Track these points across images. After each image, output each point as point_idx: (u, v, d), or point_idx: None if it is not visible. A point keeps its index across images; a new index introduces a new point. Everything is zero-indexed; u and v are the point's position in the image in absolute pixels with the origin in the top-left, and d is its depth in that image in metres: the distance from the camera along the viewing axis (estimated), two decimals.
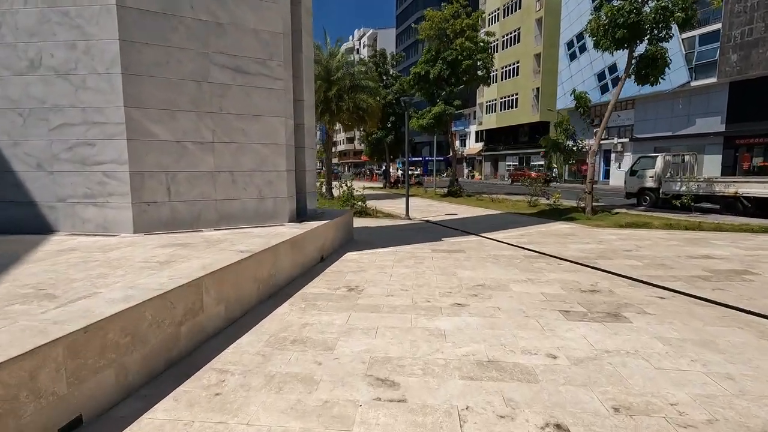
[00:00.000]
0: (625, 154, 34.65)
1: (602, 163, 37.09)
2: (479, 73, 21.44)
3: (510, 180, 42.23)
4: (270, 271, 5.10)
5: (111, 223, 5.93)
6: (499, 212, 14.65)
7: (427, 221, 12.58)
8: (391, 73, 30.17)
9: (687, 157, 15.76)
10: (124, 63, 5.68)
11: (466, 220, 12.77)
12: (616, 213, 13.73)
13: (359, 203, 14.09)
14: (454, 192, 21.23)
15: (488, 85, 22.35)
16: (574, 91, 14.28)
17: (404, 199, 13.30)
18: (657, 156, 15.90)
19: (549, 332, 4.04)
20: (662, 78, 12.82)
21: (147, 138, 5.93)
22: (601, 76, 35.06)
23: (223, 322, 4.03)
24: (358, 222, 11.96)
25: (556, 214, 13.79)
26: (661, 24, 11.65)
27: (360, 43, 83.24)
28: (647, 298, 5.14)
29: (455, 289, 5.47)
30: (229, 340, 3.79)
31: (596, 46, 12.98)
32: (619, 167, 26.41)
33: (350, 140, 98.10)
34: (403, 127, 26.98)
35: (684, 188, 14.52)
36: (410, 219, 12.94)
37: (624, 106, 34.46)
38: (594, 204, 13.67)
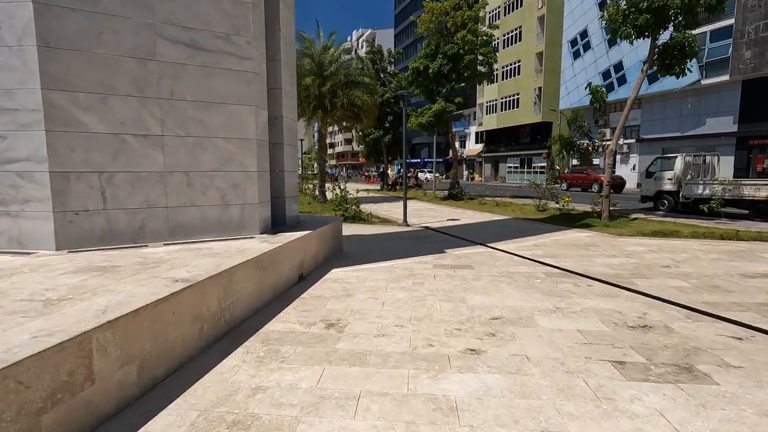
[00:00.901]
0: (631, 155, 33.50)
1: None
2: (482, 69, 20.22)
3: (563, 184, 31.06)
4: (221, 304, 3.84)
5: (27, 236, 4.66)
6: (506, 217, 13.41)
7: (427, 228, 11.33)
8: (388, 70, 28.96)
9: (708, 158, 14.54)
10: (41, 33, 4.43)
11: (471, 227, 11.53)
12: (635, 219, 12.50)
13: (352, 207, 12.84)
14: (455, 195, 20.00)
15: (491, 82, 21.10)
16: (589, 85, 13.03)
17: (402, 202, 12.09)
18: (676, 156, 14.70)
19: (607, 403, 2.79)
20: (689, 69, 11.59)
21: (73, 129, 4.66)
22: (606, 74, 33.93)
23: (133, 390, 2.77)
24: (351, 229, 10.71)
25: (568, 219, 12.56)
26: (691, 8, 10.44)
27: (358, 43, 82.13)
28: (720, 338, 3.90)
29: (466, 325, 4.21)
30: (133, 425, 2.52)
31: (614, 34, 11.77)
32: (634, 168, 25.21)
33: (348, 141, 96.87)
34: (401, 127, 25.76)
35: (707, 191, 13.30)
36: (408, 225, 11.69)
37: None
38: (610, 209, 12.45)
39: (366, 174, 50.36)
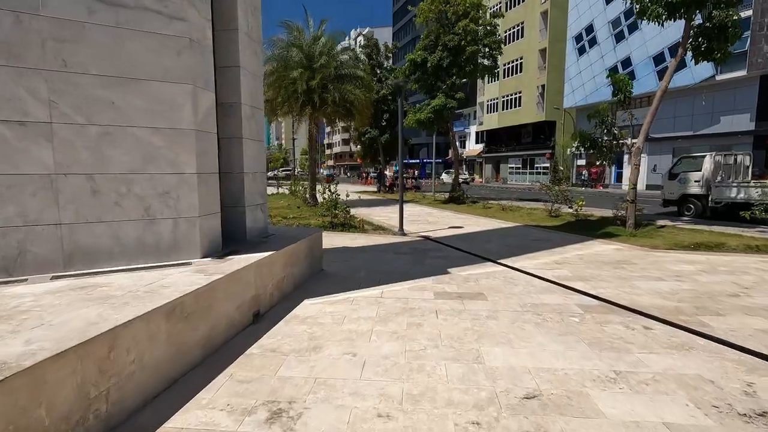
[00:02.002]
0: (640, 155, 31.95)
1: (614, 165, 34.45)
2: (485, 62, 18.73)
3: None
4: (87, 394, 2.32)
5: None
6: (515, 225, 11.90)
7: (427, 238, 9.82)
8: (385, 66, 27.47)
9: (740, 158, 13.06)
10: None
11: (476, 237, 10.01)
12: (662, 227, 10.99)
13: (341, 213, 11.32)
14: (456, 198, 18.50)
15: (495, 77, 19.61)
16: (610, 73, 11.54)
17: (399, 207, 10.58)
18: (704, 156, 13.21)
19: None
20: (730, 53, 10.10)
21: None
22: (613, 71, 32.38)
23: None
24: (338, 239, 9.19)
25: (587, 227, 11.06)
26: None
27: (356, 42, 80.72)
28: None
29: (487, 411, 2.70)
30: None
31: (641, 15, 10.27)
32: (654, 170, 23.73)
33: (346, 142, 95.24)
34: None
35: (742, 195, 11.82)
36: (405, 235, 10.18)
37: (639, 103, 31.83)
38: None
39: (364, 175, 48.85)
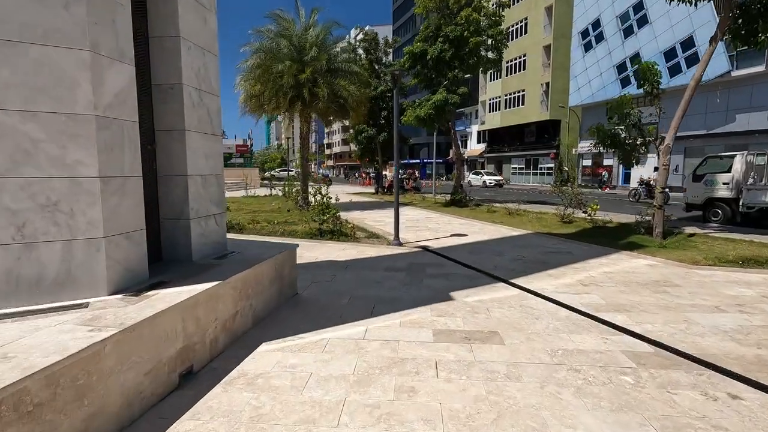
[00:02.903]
0: (648, 155, 30.66)
1: (620, 166, 33.20)
2: (489, 55, 17.48)
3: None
4: None
5: None
6: (525, 232, 10.65)
7: (426, 249, 8.58)
8: (383, 61, 26.22)
9: None
10: None
11: (483, 248, 8.76)
12: (692, 235, 9.73)
13: (330, 219, 10.09)
14: (458, 200, 17.25)
15: (499, 71, 18.36)
16: (635, 58, 10.25)
17: (400, 208, 9.32)
18: (734, 155, 11.97)
19: None
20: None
21: None
22: (621, 67, 31.24)
23: None
24: (325, 250, 7.96)
25: (606, 235, 9.82)
26: None
27: (356, 42, 79.37)
28: None
29: None
30: None
31: None
32: (676, 170, 22.34)
33: (346, 142, 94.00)
34: (398, 123, 22.91)
35: None
36: (401, 244, 8.94)
37: (648, 101, 30.53)
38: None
39: (364, 175, 47.64)
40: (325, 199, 10.43)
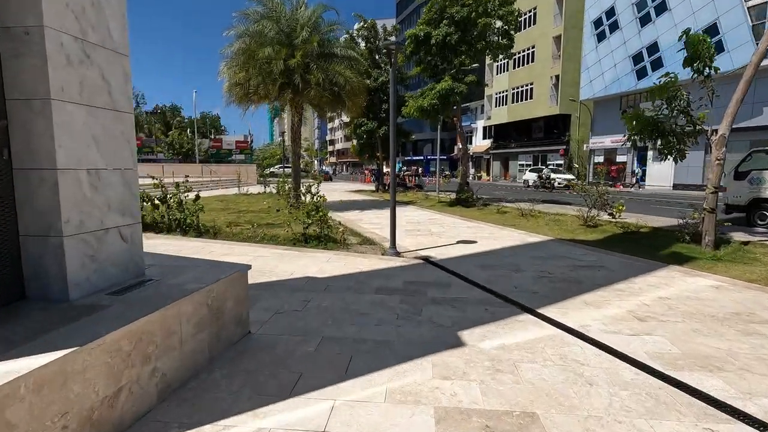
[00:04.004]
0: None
1: (636, 162, 31.52)
2: (501, 40, 15.88)
3: None
4: None
5: None
6: (544, 238, 9.13)
7: (427, 261, 7.09)
8: (384, 51, 24.63)
9: None
10: None
11: (498, 259, 7.26)
12: (746, 243, 8.17)
13: (314, 222, 8.62)
14: (464, 200, 15.71)
15: (510, 56, 16.79)
16: (685, 33, 8.68)
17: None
18: None
19: None
20: None
21: None
22: (637, 58, 29.47)
23: None
24: (304, 263, 6.50)
25: (642, 243, 8.30)
26: None
27: (356, 31, 77.71)
28: None
29: None
30: None
31: None
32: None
33: (349, 138, 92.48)
34: (399, 117, 21.52)
35: None
36: (397, 253, 7.46)
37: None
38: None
39: (367, 172, 46.18)
40: (315, 198, 8.94)
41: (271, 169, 51.99)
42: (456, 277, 6.02)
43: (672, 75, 7.99)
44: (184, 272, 3.63)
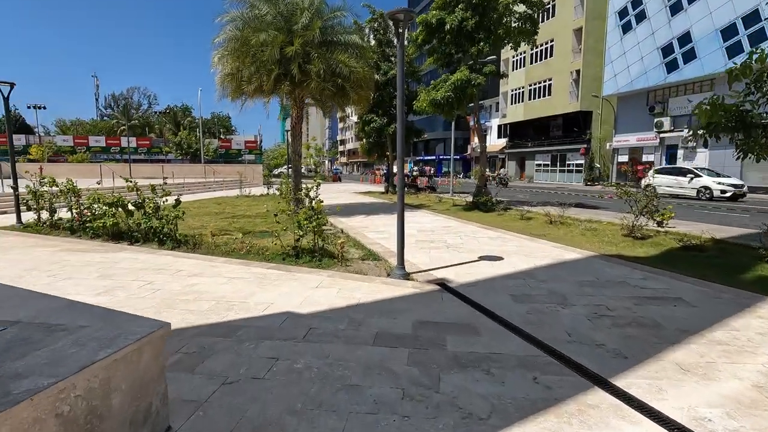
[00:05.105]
0: (698, 150, 26.96)
1: (666, 162, 29.45)
2: (524, 26, 14.25)
3: None
4: None
5: None
6: (587, 254, 7.53)
7: (444, 286, 5.58)
8: (395, 43, 23.13)
9: None
10: None
11: (534, 285, 5.71)
12: None
13: (308, 231, 7.18)
14: (482, 203, 14.11)
15: (533, 44, 15.14)
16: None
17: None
18: None
19: None
20: None
21: None
22: (667, 49, 27.42)
23: None
24: (287, 289, 5.05)
25: (709, 262, 6.65)
26: None
27: (368, 26, 76.30)
28: None
29: None
30: None
31: None
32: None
33: (360, 138, 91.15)
34: (410, 114, 20.05)
35: None
36: (406, 275, 5.97)
37: (698, 87, 26.80)
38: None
39: (377, 172, 44.81)
40: (314, 203, 7.48)
41: (280, 170, 50.95)
42: (484, 315, 4.50)
43: (761, 50, 6.21)
44: (49, 342, 2.18)
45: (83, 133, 58.96)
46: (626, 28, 30.35)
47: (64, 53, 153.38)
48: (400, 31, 5.96)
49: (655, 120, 29.22)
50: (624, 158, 32.98)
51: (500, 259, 7.16)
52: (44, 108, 49.78)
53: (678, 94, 28.22)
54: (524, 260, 7.04)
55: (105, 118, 70.39)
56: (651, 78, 28.73)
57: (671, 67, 27.06)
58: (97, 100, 74.10)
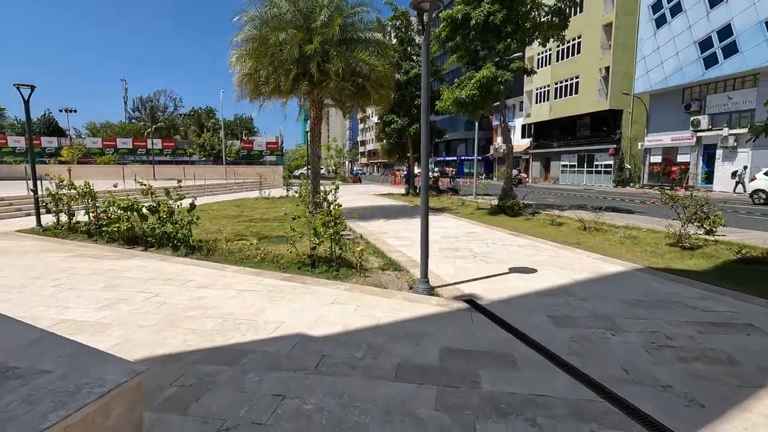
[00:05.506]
0: (738, 150, 25.36)
1: (703, 163, 27.89)
2: (553, 20, 13.49)
3: None
4: None
5: None
6: (629, 266, 6.83)
7: (473, 303, 5.03)
8: (417, 41, 22.61)
9: None
10: None
11: (575, 304, 5.09)
12: None
13: (325, 239, 6.75)
14: (509, 207, 13.41)
15: (562, 39, 14.34)
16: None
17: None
18: None
19: None
20: None
21: None
22: (705, 43, 25.91)
23: None
24: (302, 304, 4.60)
25: None
26: None
27: (390, 24, 75.85)
28: None
29: None
30: None
31: None
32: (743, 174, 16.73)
33: (380, 139, 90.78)
34: (432, 114, 19.40)
35: None
36: (430, 289, 5.44)
37: (740, 83, 25.21)
38: None
39: (398, 173, 44.35)
40: (332, 208, 7.04)
41: (300, 171, 51.05)
42: (521, 342, 3.93)
43: None
44: None
45: (112, 136, 60.63)
46: (660, 22, 28.89)
47: (96, 58, 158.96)
48: (425, 21, 5.41)
49: (692, 118, 27.68)
50: (657, 159, 31.44)
51: (533, 271, 6.54)
52: (75, 111, 51.34)
53: (717, 90, 26.64)
54: (560, 273, 6.40)
55: (133, 120, 72.29)
56: (687, 74, 27.23)
57: (710, 62, 25.54)
58: (125, 103, 76.20)
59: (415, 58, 21.75)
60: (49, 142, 47.90)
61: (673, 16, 27.88)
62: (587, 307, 4.88)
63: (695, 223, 8.10)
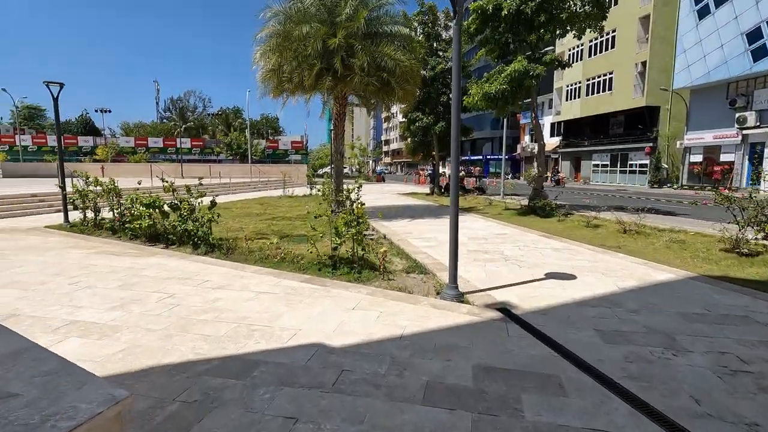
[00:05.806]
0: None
1: (748, 163, 26.14)
2: (591, 10, 12.72)
3: None
4: None
5: None
6: (681, 274, 6.18)
7: (508, 312, 4.56)
8: (443, 37, 22.04)
9: None
10: None
11: (624, 316, 4.55)
12: None
13: (348, 239, 6.41)
14: (540, 208, 12.73)
15: (600, 31, 13.52)
16: None
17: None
18: None
19: None
20: None
21: None
22: (753, 35, 24.21)
23: None
24: (321, 308, 4.25)
25: None
26: None
27: (417, 20, 75.16)
28: None
29: None
30: None
31: None
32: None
33: (404, 138, 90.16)
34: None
35: None
36: (460, 296, 5.00)
37: None
38: None
39: (421, 172, 43.81)
40: (355, 207, 6.70)
41: (324, 170, 51.17)
42: (566, 360, 3.44)
43: None
44: None
45: (144, 135, 62.54)
46: (703, 13, 27.23)
47: (130, 60, 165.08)
48: (456, 8, 4.96)
49: (737, 115, 25.96)
50: (697, 158, 29.70)
51: (572, 277, 5.98)
52: (109, 111, 53.16)
53: (766, 85, 24.88)
54: (603, 280, 5.82)
55: (164, 120, 74.40)
56: (733, 68, 25.55)
57: (759, 54, 23.84)
58: (157, 103, 78.51)
59: (441, 53, 21.20)
60: (85, 141, 49.78)
61: (717, 7, 26.21)
62: (639, 320, 4.33)
63: (754, 227, 7.31)
